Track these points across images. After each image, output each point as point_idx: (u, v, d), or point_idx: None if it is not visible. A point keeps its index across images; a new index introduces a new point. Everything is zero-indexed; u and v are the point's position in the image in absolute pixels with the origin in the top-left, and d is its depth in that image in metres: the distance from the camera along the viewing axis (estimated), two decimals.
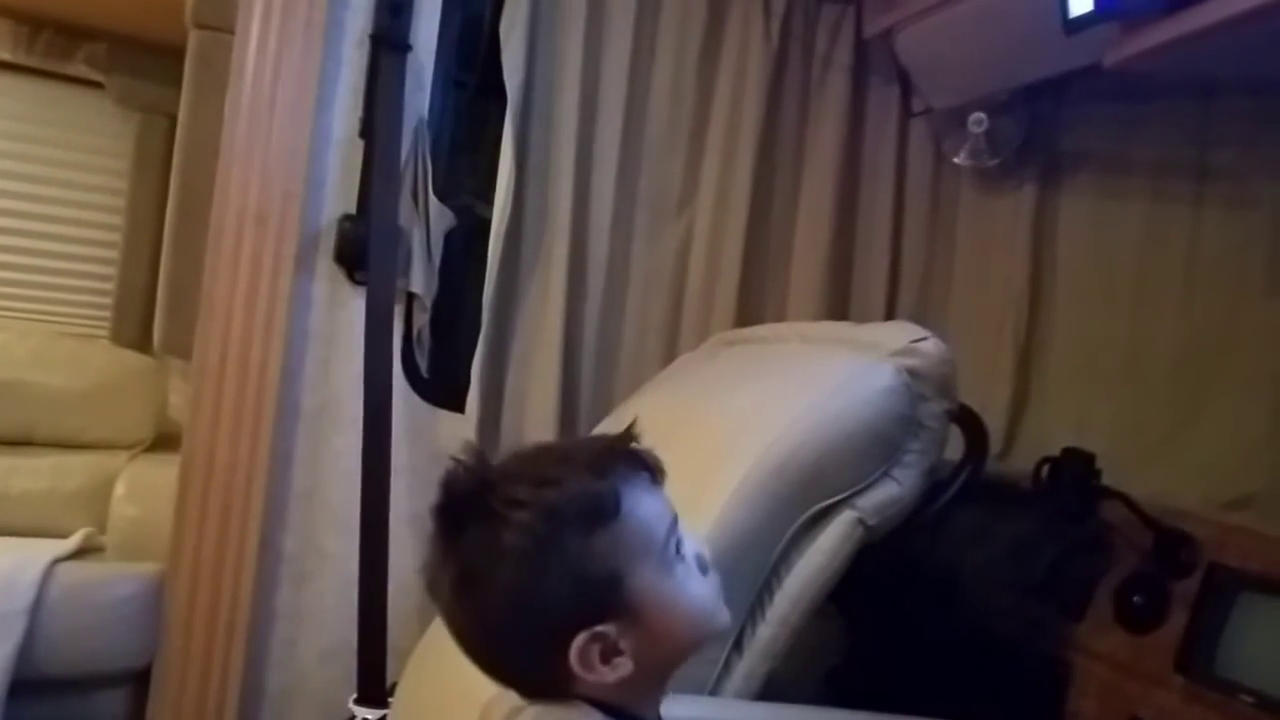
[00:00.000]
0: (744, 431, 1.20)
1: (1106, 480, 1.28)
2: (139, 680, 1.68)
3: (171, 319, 1.88)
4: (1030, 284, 1.77)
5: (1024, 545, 1.28)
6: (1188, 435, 1.51)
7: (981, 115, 1.74)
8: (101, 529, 1.95)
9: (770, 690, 1.12)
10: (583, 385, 1.78)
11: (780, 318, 1.89)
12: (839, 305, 1.92)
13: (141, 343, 2.46)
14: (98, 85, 2.57)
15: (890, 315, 1.93)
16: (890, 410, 1.17)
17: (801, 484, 1.13)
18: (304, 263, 1.59)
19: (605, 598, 0.67)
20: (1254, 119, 1.48)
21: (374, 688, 1.52)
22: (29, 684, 1.64)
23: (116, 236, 2.63)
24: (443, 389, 1.72)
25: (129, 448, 2.10)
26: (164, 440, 2.12)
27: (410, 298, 1.66)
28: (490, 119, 1.77)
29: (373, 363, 1.57)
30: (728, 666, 1.10)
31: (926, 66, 1.79)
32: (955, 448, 1.29)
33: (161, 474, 1.78)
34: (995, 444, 1.55)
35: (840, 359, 1.27)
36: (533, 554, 0.65)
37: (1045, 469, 1.32)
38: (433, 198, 1.64)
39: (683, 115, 1.84)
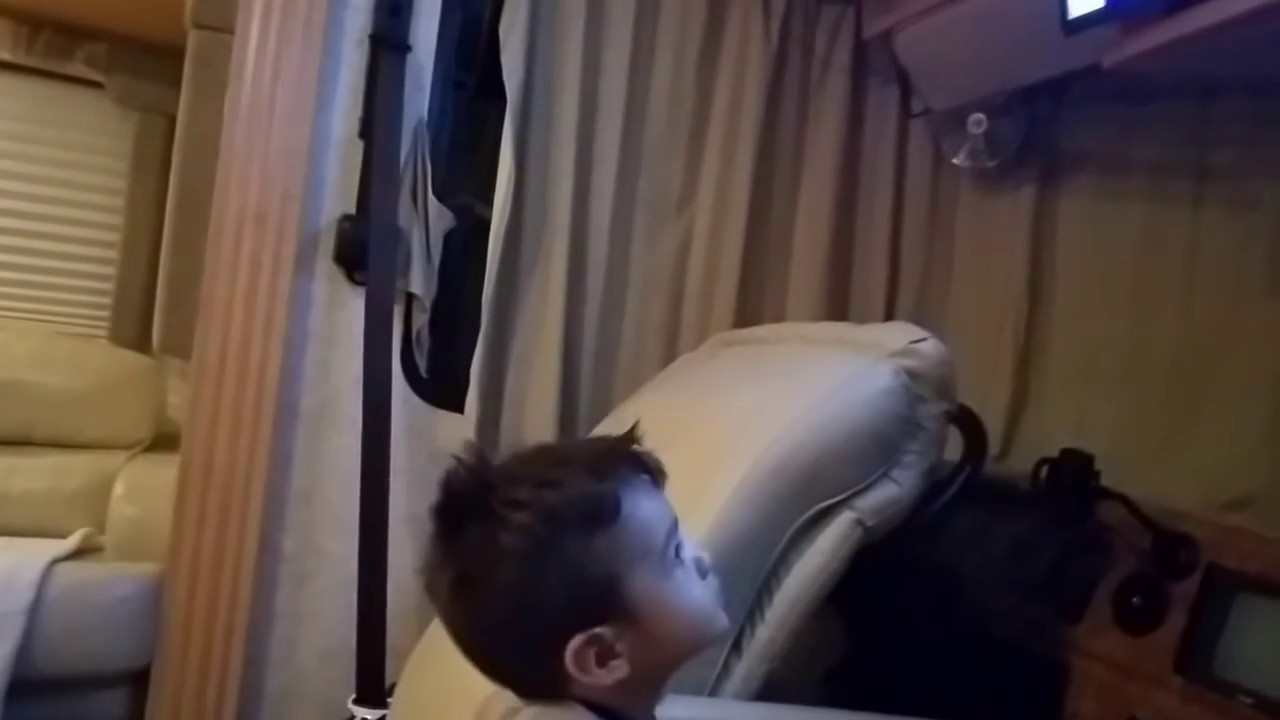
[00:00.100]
0: (743, 432, 1.20)
1: (1105, 481, 1.28)
2: (138, 680, 1.68)
3: (171, 319, 1.88)
4: (1029, 285, 1.77)
5: (1023, 546, 1.28)
6: (1186, 436, 1.50)
7: (981, 116, 1.74)
8: (100, 529, 1.95)
9: (769, 691, 1.12)
10: (582, 385, 1.78)
11: (779, 318, 1.89)
12: (838, 306, 1.92)
13: (140, 343, 2.46)
14: (97, 85, 2.57)
15: (889, 316, 1.93)
16: (889, 411, 1.17)
17: (800, 485, 1.13)
18: (303, 263, 1.59)
19: (603, 600, 0.67)
20: (1253, 119, 1.48)
21: (373, 688, 1.52)
22: (28, 684, 1.64)
23: (116, 236, 2.63)
24: (442, 389, 1.72)
25: (128, 448, 2.10)
26: (163, 440, 2.12)
27: (409, 298, 1.66)
28: (490, 119, 1.77)
29: (372, 363, 1.57)
30: (726, 667, 1.10)
31: (926, 67, 1.79)
32: (954, 449, 1.29)
33: (160, 474, 1.78)
34: (994, 445, 1.54)
35: (839, 360, 1.27)
36: (531, 555, 0.65)
37: (1044, 470, 1.32)
38: (432, 198, 1.64)
39: (682, 115, 1.84)
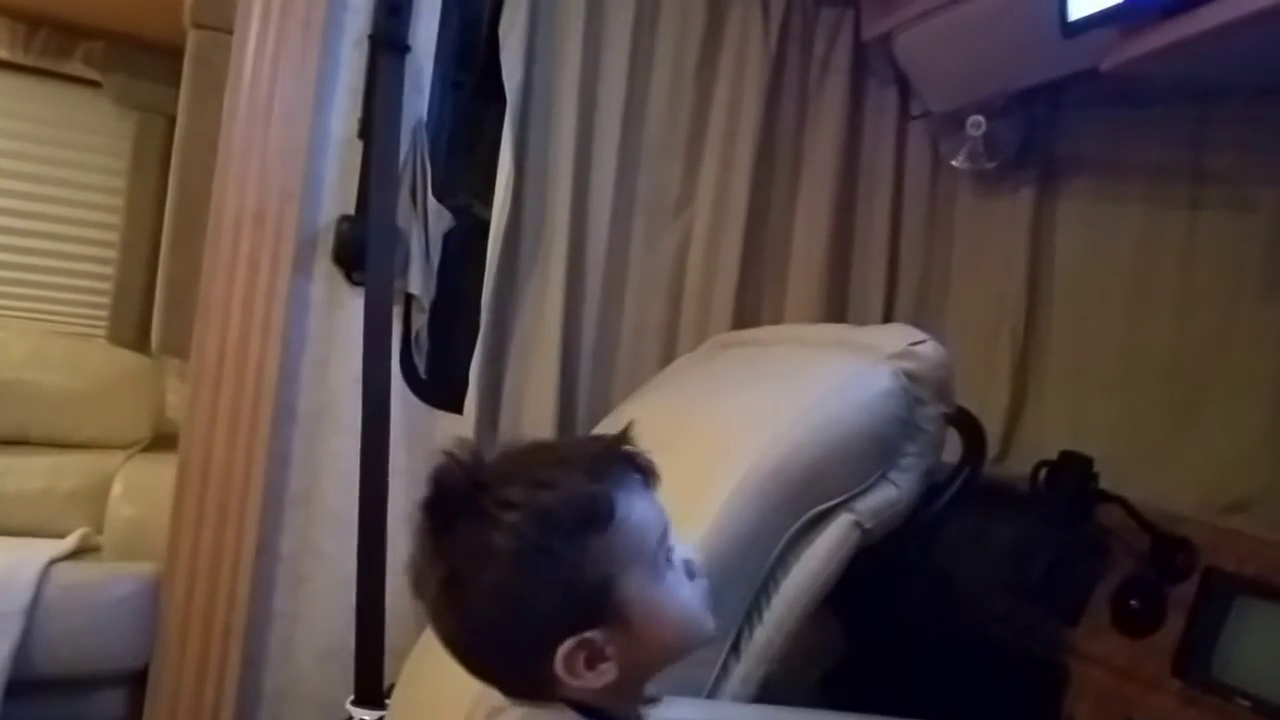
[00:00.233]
0: (741, 434, 1.20)
1: (1103, 484, 1.28)
2: (136, 681, 1.68)
3: (169, 319, 1.88)
4: (1028, 287, 1.77)
5: (1021, 548, 1.28)
6: (1185, 439, 1.51)
7: (980, 118, 1.74)
8: (98, 529, 1.94)
9: (767, 693, 1.12)
10: (580, 386, 1.78)
11: (778, 320, 1.89)
12: (837, 307, 1.91)
13: (139, 342, 2.46)
14: (96, 84, 2.57)
15: (888, 318, 1.93)
16: (888, 413, 1.17)
17: (799, 487, 1.13)
18: (302, 263, 1.59)
19: (594, 604, 0.67)
20: (1251, 123, 1.48)
21: (371, 688, 1.52)
22: (26, 684, 1.64)
23: (114, 236, 2.63)
24: (441, 390, 1.72)
25: (126, 448, 2.10)
26: (161, 440, 2.12)
27: (408, 299, 1.66)
28: (489, 120, 1.77)
29: (371, 364, 1.57)
30: (725, 670, 1.10)
31: (925, 70, 1.79)
32: (953, 451, 1.29)
33: (159, 474, 1.78)
34: (992, 447, 1.54)
35: (838, 362, 1.27)
36: (523, 557, 0.64)
37: (1042, 472, 1.32)
38: (431, 198, 1.64)
39: (681, 117, 1.84)
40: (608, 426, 1.46)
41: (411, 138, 1.63)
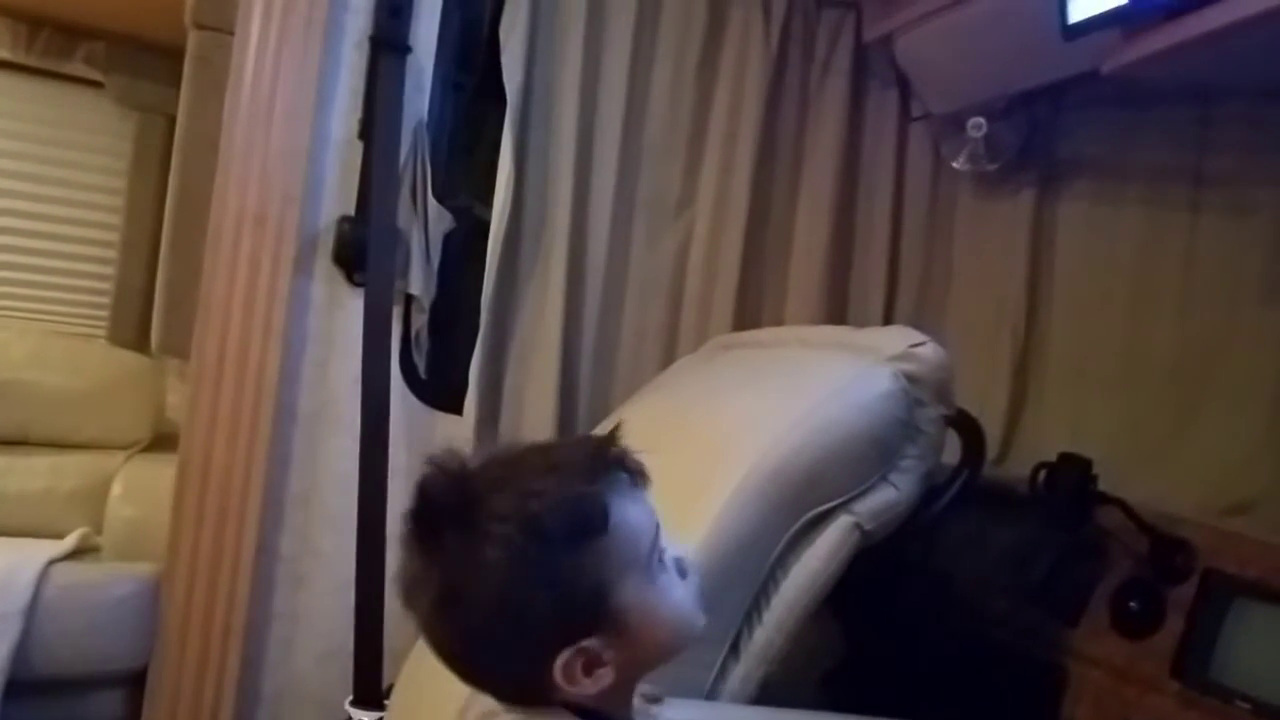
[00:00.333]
0: (741, 435, 1.20)
1: (1103, 486, 1.28)
2: (135, 681, 1.67)
3: (170, 319, 1.88)
4: (1028, 289, 1.77)
5: (1020, 550, 1.28)
6: (1185, 441, 1.51)
7: (980, 120, 1.74)
8: (98, 529, 1.95)
9: (766, 694, 1.12)
10: (581, 388, 1.78)
11: (778, 321, 1.89)
12: (837, 309, 1.92)
13: (139, 343, 2.46)
14: (97, 85, 2.57)
15: (888, 319, 1.93)
16: (888, 415, 1.17)
17: (799, 488, 1.14)
18: (302, 264, 1.59)
19: (591, 613, 0.66)
20: (1252, 126, 1.48)
21: (370, 689, 1.52)
22: (25, 685, 1.64)
23: (115, 236, 2.63)
24: (441, 391, 1.72)
25: (126, 448, 2.11)
26: (161, 441, 2.12)
27: (408, 299, 1.66)
28: (489, 121, 1.77)
29: (371, 364, 1.57)
30: (724, 670, 1.10)
31: (926, 71, 1.79)
32: (952, 453, 1.29)
33: (159, 474, 1.78)
34: (992, 449, 1.54)
35: (838, 363, 1.27)
36: (519, 570, 0.63)
37: (1042, 474, 1.32)
38: (431, 199, 1.64)
39: (682, 118, 1.84)
40: (607, 428, 1.46)
41: (412, 139, 1.63)
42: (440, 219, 1.66)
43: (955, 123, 1.80)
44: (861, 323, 1.86)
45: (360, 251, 1.59)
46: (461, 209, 1.75)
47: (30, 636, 1.65)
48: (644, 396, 1.57)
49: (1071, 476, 1.29)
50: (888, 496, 1.18)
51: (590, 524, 0.66)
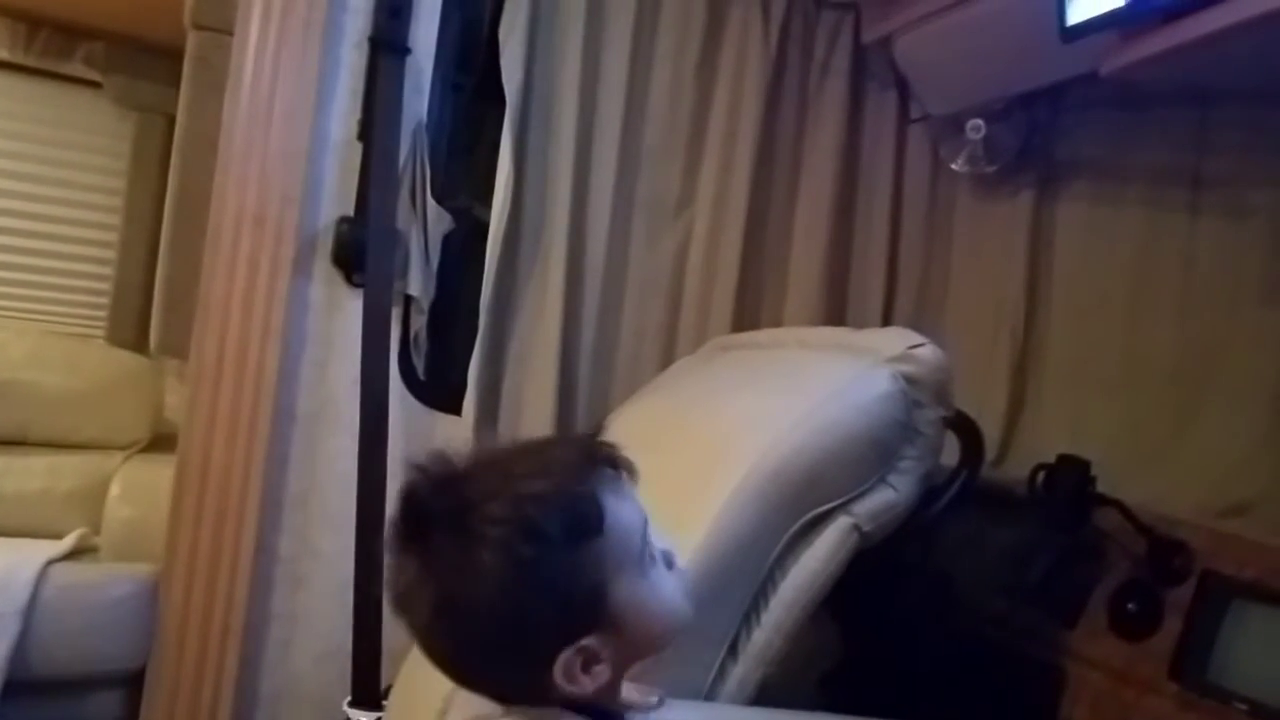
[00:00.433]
0: (740, 436, 1.20)
1: (1101, 487, 1.28)
2: (133, 682, 1.67)
3: (168, 320, 1.88)
4: (1026, 290, 1.77)
5: (1018, 552, 1.29)
6: (1183, 442, 1.51)
7: (979, 122, 1.74)
8: (96, 530, 1.94)
9: (765, 695, 1.12)
10: (580, 388, 1.78)
11: (777, 322, 1.89)
12: (836, 310, 1.92)
13: (138, 343, 2.46)
14: (96, 85, 2.57)
15: (887, 321, 1.93)
16: (887, 416, 1.17)
17: (797, 489, 1.13)
18: (301, 265, 1.59)
19: (590, 612, 0.66)
20: (1250, 128, 1.48)
21: (369, 690, 1.52)
22: (23, 685, 1.64)
23: (113, 236, 2.63)
24: (439, 392, 1.72)
25: (124, 448, 2.10)
26: (160, 441, 2.12)
27: (408, 300, 1.66)
28: (488, 121, 1.77)
29: (370, 365, 1.57)
30: (722, 672, 1.10)
31: (925, 73, 1.79)
32: (951, 454, 1.29)
33: (157, 475, 1.78)
34: (991, 450, 1.54)
35: (837, 365, 1.27)
36: (517, 574, 0.63)
37: (1040, 476, 1.32)
38: (431, 200, 1.64)
39: (681, 119, 1.84)
40: (606, 429, 1.46)
41: (411, 139, 1.63)
42: (439, 220, 1.66)
43: (954, 124, 1.80)
44: (860, 324, 1.86)
45: (359, 252, 1.59)
46: (461, 210, 1.75)
47: (28, 637, 1.65)
48: (643, 397, 1.57)
49: (1070, 478, 1.29)
50: (886, 498, 1.18)
51: (587, 524, 0.66)
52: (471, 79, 1.77)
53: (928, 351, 1.21)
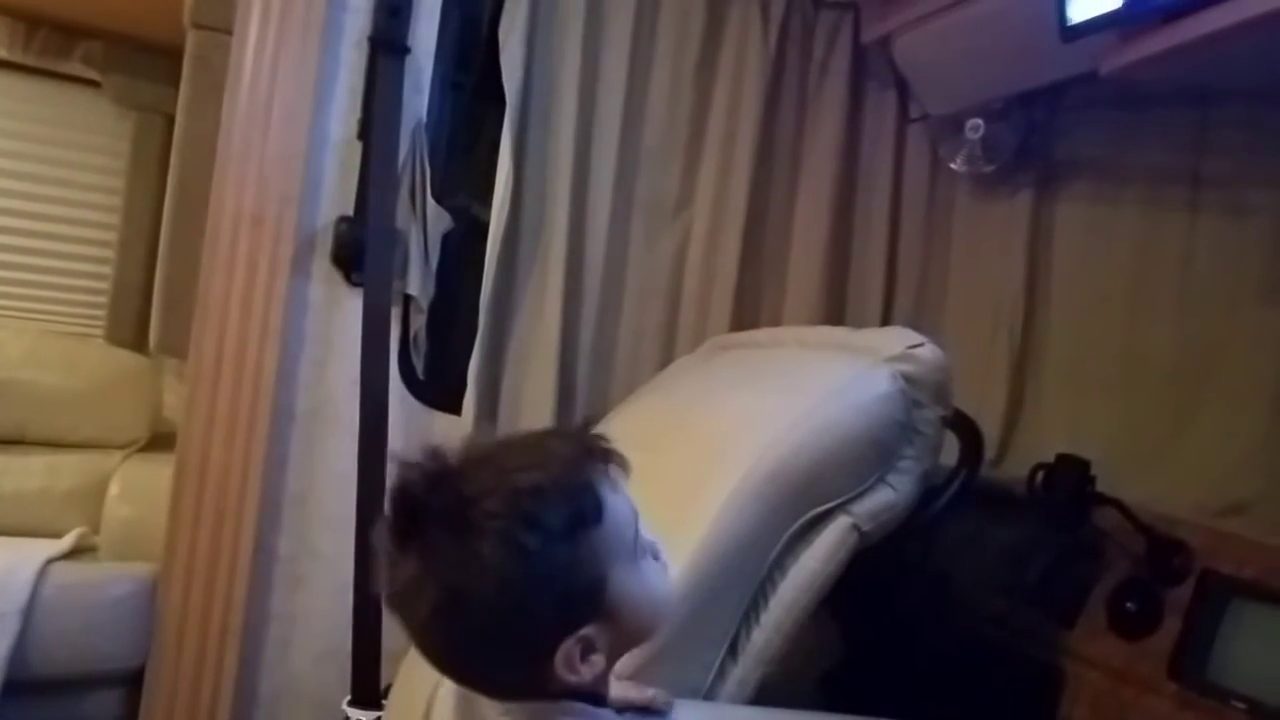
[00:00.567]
0: (739, 436, 1.20)
1: (1100, 487, 1.28)
2: (133, 681, 1.67)
3: (167, 319, 1.88)
4: (1026, 290, 1.77)
5: (1018, 551, 1.29)
6: (1182, 442, 1.51)
7: (978, 121, 1.74)
8: (95, 529, 1.94)
9: (764, 695, 1.12)
10: (579, 388, 1.78)
11: (776, 322, 1.89)
12: (835, 310, 1.92)
13: (137, 342, 2.46)
14: (94, 84, 2.57)
15: (886, 320, 1.93)
16: (886, 416, 1.17)
17: (797, 489, 1.13)
18: (300, 264, 1.59)
19: (589, 603, 0.67)
20: (1250, 128, 1.48)
21: (368, 690, 1.52)
22: (23, 684, 1.63)
23: (112, 236, 2.63)
24: (439, 391, 1.72)
25: (123, 447, 2.10)
26: (159, 440, 2.12)
27: (407, 300, 1.66)
28: (488, 121, 1.77)
29: (369, 365, 1.56)
30: (722, 672, 1.10)
31: (924, 73, 1.79)
32: (950, 453, 1.29)
33: (156, 474, 1.78)
34: (990, 450, 1.55)
35: (836, 364, 1.27)
36: (521, 566, 0.63)
37: (1040, 475, 1.32)
38: (430, 200, 1.64)
39: (680, 119, 1.84)
40: (605, 428, 1.46)
41: (411, 139, 1.63)
42: (439, 219, 1.66)
43: (953, 124, 1.80)
44: (859, 323, 1.86)
45: (358, 252, 1.59)
46: (460, 209, 1.75)
47: (28, 636, 1.65)
48: (642, 397, 1.57)
49: (1069, 477, 1.29)
50: (886, 497, 1.18)
51: (586, 515, 0.66)
52: (471, 78, 1.77)
53: (927, 351, 1.21)
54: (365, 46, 1.61)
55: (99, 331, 2.62)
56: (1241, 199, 1.51)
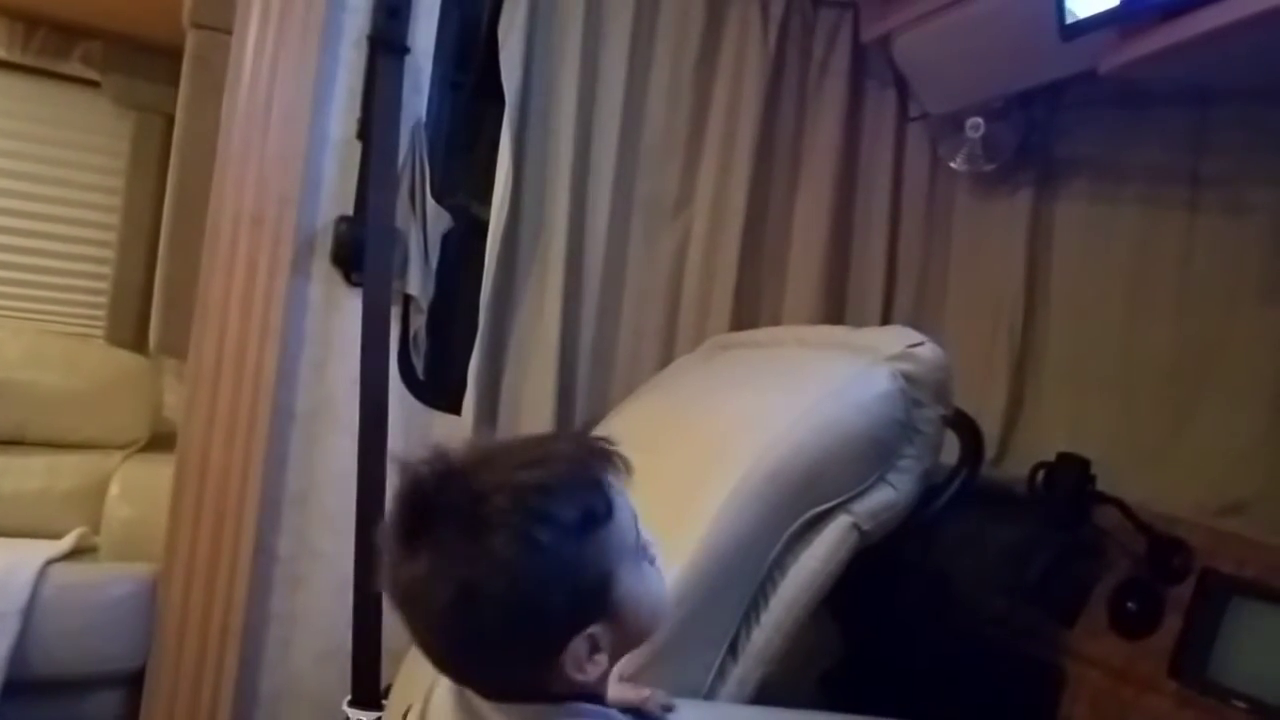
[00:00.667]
0: (740, 435, 1.20)
1: (1101, 486, 1.28)
2: (133, 682, 1.67)
3: (167, 319, 1.88)
4: (1025, 289, 1.77)
5: (1018, 550, 1.29)
6: (1182, 441, 1.51)
7: (978, 120, 1.74)
8: (95, 529, 1.94)
9: (764, 695, 1.12)
10: (579, 387, 1.78)
11: (776, 321, 1.89)
12: (835, 309, 1.92)
13: (137, 343, 2.46)
14: (94, 84, 2.57)
15: (886, 320, 1.93)
16: (886, 415, 1.17)
17: (797, 488, 1.13)
18: (300, 264, 1.59)
19: (597, 600, 0.68)
20: (1249, 126, 1.48)
21: (369, 689, 1.52)
22: (23, 685, 1.63)
23: (112, 236, 2.63)
24: (439, 391, 1.72)
25: (123, 448, 2.10)
26: (159, 440, 2.12)
27: (407, 299, 1.66)
28: (487, 120, 1.77)
29: (369, 365, 1.56)
30: (722, 671, 1.10)
31: (923, 72, 1.79)
32: (950, 452, 1.29)
33: (156, 474, 1.78)
34: (990, 449, 1.55)
35: (837, 363, 1.27)
36: (534, 561, 0.64)
37: (1040, 474, 1.32)
38: (430, 199, 1.64)
39: (680, 118, 1.84)
40: (605, 428, 1.47)
41: (410, 138, 1.63)
42: (438, 219, 1.66)
43: (953, 123, 1.80)
44: (859, 322, 1.86)
45: (358, 252, 1.59)
46: (459, 209, 1.75)
47: (28, 637, 1.65)
48: (642, 396, 1.57)
49: (1069, 476, 1.29)
50: (886, 496, 1.18)
51: (597, 515, 0.67)
52: (470, 78, 1.77)
53: (927, 350, 1.21)
54: (365, 46, 1.61)
55: (99, 332, 2.62)
56: (1240, 198, 1.51)
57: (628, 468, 0.72)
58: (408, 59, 1.62)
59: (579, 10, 1.73)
